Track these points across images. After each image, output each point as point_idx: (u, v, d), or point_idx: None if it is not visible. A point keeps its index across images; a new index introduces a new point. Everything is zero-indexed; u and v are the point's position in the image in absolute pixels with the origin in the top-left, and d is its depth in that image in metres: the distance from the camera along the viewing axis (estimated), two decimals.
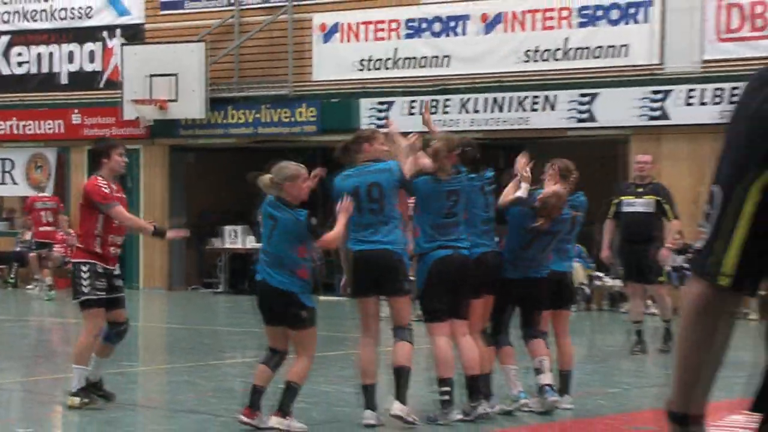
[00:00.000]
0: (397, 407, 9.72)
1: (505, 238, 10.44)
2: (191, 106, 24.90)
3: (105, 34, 26.82)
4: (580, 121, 22.22)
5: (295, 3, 24.94)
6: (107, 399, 10.67)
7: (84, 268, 10.48)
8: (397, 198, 9.92)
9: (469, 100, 23.26)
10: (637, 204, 14.84)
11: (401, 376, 9.76)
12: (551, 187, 10.46)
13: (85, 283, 10.45)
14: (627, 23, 21.89)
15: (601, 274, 21.35)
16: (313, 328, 9.44)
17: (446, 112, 23.43)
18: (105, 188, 10.56)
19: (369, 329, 9.89)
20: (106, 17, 26.88)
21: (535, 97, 22.64)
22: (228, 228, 25.13)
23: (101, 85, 26.80)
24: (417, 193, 10.00)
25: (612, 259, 15.36)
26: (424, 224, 9.96)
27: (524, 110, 22.77)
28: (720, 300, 2.51)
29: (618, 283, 19.99)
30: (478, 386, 9.98)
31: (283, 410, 9.40)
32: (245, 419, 9.48)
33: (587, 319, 20.04)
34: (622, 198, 15.05)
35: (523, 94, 22.73)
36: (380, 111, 24.00)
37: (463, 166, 10.18)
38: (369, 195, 9.84)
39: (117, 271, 10.77)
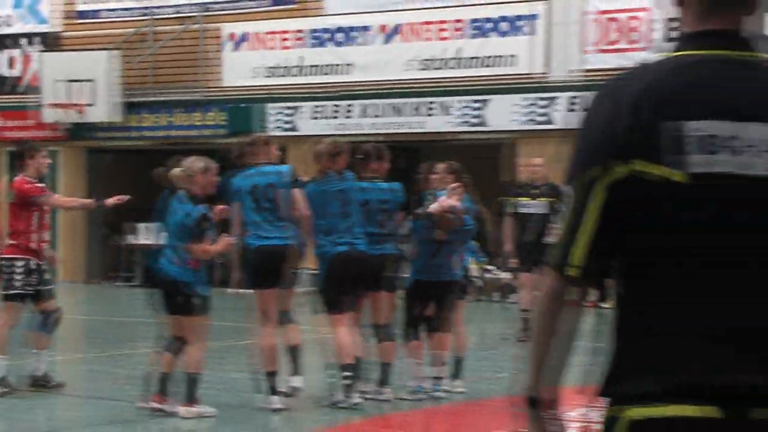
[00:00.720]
0: (296, 380, 10.02)
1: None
2: (107, 109, 24.87)
3: (24, 41, 26.58)
4: (472, 125, 22.47)
5: (206, 14, 24.97)
6: (56, 387, 10.73)
7: (18, 264, 10.46)
8: (290, 199, 10.01)
9: (370, 105, 23.41)
10: (532, 206, 15.05)
11: (295, 353, 10.15)
12: (448, 201, 10.60)
13: (18, 278, 10.43)
14: (515, 35, 22.19)
15: (491, 268, 21.60)
16: (201, 315, 9.48)
17: (348, 117, 23.59)
18: (36, 184, 10.60)
19: (268, 319, 10.01)
20: (25, 25, 26.64)
21: (431, 102, 22.85)
22: (142, 225, 25.03)
23: (21, 90, 26.55)
24: (308, 195, 10.13)
25: (512, 253, 15.55)
26: (320, 224, 10.09)
27: (421, 115, 22.97)
28: (568, 290, 2.57)
29: (508, 275, 20.25)
30: (355, 374, 10.10)
31: (189, 399, 9.48)
32: (156, 405, 9.55)
33: (479, 309, 20.27)
34: (518, 199, 15.25)
35: (419, 99, 22.94)
36: (287, 115, 24.12)
37: (352, 171, 10.35)
38: (265, 195, 9.95)
39: (45, 265, 10.80)
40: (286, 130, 24.07)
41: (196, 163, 9.59)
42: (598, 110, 2.54)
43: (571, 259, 2.53)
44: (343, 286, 9.99)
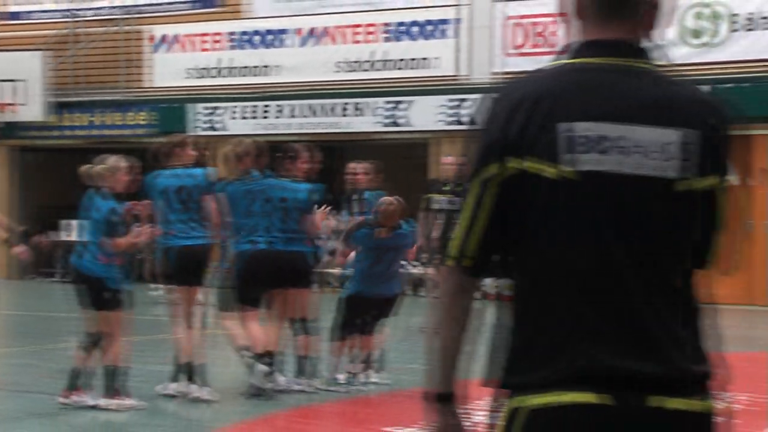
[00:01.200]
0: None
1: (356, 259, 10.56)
2: (34, 109, 24.61)
3: None
4: (388, 125, 22.49)
5: (134, 16, 24.80)
6: None
7: None
8: (203, 200, 9.93)
9: (289, 106, 23.33)
10: (441, 202, 15.11)
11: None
12: (387, 197, 10.66)
13: None
14: (432, 38, 22.25)
15: (404, 263, 21.60)
16: (116, 310, 9.36)
17: (266, 117, 23.50)
18: None
19: (187, 314, 9.94)
20: None
21: (347, 103, 22.84)
22: (65, 222, 24.75)
23: None
24: (231, 195, 10.09)
25: (424, 248, 15.59)
26: (242, 223, 10.04)
27: (338, 115, 22.94)
28: (464, 281, 2.62)
29: (420, 270, 20.29)
30: (269, 363, 10.07)
31: (109, 391, 9.38)
32: (77, 398, 9.44)
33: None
34: (432, 195, 15.32)
35: (337, 101, 22.91)
36: (210, 115, 24.00)
37: (259, 170, 10.33)
38: (178, 196, 9.87)
39: None
40: (212, 130, 23.94)
41: (116, 161, 9.53)
42: (495, 112, 2.62)
43: (467, 250, 2.59)
44: (258, 284, 9.94)
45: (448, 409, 2.64)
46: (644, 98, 2.58)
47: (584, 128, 2.54)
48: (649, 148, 2.55)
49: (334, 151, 24.68)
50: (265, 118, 23.55)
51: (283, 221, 10.19)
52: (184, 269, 9.84)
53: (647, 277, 2.56)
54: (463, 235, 2.61)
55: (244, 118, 23.71)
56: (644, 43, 2.63)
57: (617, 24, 2.61)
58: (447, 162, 15.56)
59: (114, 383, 9.37)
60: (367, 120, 22.61)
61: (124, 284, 9.41)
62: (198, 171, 10.11)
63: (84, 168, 9.66)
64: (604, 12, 2.61)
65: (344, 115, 22.87)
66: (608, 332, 2.53)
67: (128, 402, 9.43)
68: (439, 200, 15.07)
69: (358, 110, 22.76)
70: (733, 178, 2.66)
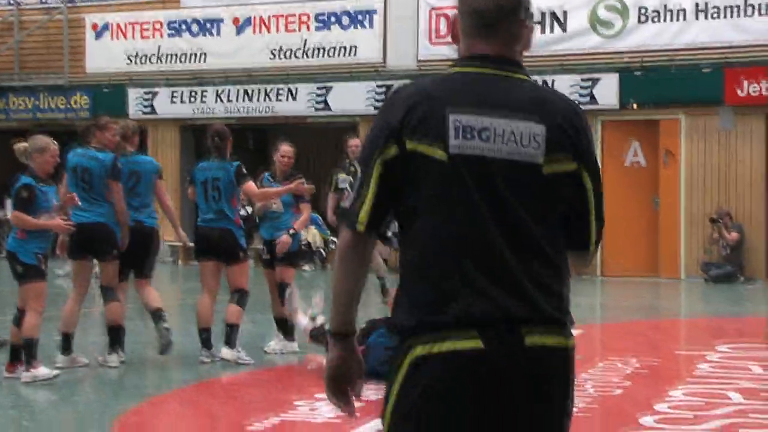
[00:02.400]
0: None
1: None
2: None
3: None
4: (318, 109, 22.48)
5: (70, 4, 24.55)
6: None
7: None
8: (106, 182, 9.87)
9: (223, 90, 23.23)
10: (347, 180, 15.16)
11: (113, 330, 10.06)
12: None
13: None
14: (356, 27, 22.27)
15: (335, 239, 21.66)
16: (30, 283, 9.15)
17: (204, 102, 23.39)
18: None
19: (81, 288, 10.07)
20: None
21: (280, 88, 22.79)
22: (8, 201, 24.44)
23: None
24: (122, 174, 10.08)
25: (334, 223, 15.67)
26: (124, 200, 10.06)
27: (271, 100, 22.88)
28: (357, 242, 2.98)
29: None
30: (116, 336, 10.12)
31: (28, 363, 9.21)
32: (7, 374, 9.37)
33: (323, 276, 20.33)
34: (339, 175, 15.47)
35: (269, 86, 22.85)
36: (146, 100, 23.84)
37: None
38: (82, 176, 9.92)
39: None
40: (146, 113, 23.76)
41: (35, 141, 9.36)
42: (395, 104, 3.01)
43: (360, 217, 2.96)
44: (126, 258, 9.99)
45: (347, 345, 3.02)
46: (516, 98, 3.02)
47: (468, 119, 2.96)
48: (520, 138, 2.98)
49: (266, 134, 24.64)
50: (203, 102, 23.43)
51: (205, 199, 10.37)
52: (78, 244, 9.82)
53: (519, 241, 2.95)
54: (357, 205, 2.97)
55: (182, 102, 23.58)
56: (516, 56, 3.10)
57: (493, 41, 3.06)
58: (353, 144, 15.58)
59: (31, 354, 9.17)
60: (298, 104, 22.57)
61: (30, 258, 9.15)
62: (104, 155, 9.90)
63: (16, 145, 9.54)
64: (482, 33, 3.06)
65: (277, 100, 22.81)
66: (486, 287, 2.92)
67: (43, 371, 9.20)
68: (344, 179, 15.18)
69: (291, 95, 22.70)
70: (593, 165, 3.11)
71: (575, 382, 3.15)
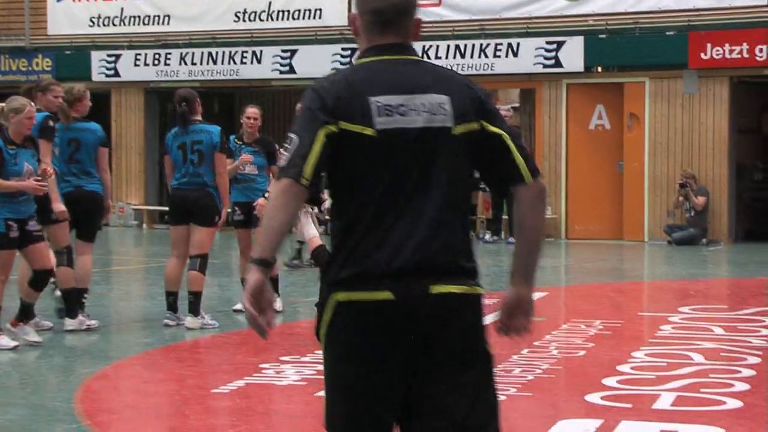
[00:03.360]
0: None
1: None
2: None
3: None
4: (282, 73, 22.37)
5: None
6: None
7: None
8: (43, 149, 9.61)
9: (187, 54, 23.06)
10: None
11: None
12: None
13: None
14: None
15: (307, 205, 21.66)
16: (4, 250, 9.02)
17: (168, 64, 23.21)
18: None
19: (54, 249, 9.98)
20: None
21: (244, 51, 22.65)
22: None
23: None
24: (60, 140, 9.95)
25: None
26: (61, 167, 9.93)
27: (235, 63, 22.75)
28: (297, 191, 3.44)
29: None
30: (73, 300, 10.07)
31: None
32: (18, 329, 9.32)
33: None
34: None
35: (234, 49, 22.71)
36: (109, 63, 23.65)
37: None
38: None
39: None
40: (109, 76, 23.58)
41: (11, 102, 9.18)
42: (321, 92, 3.55)
43: (305, 174, 3.44)
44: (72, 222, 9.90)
45: (267, 272, 3.45)
46: (421, 77, 3.60)
47: (386, 100, 3.52)
48: (419, 109, 3.53)
49: (232, 98, 24.53)
50: (167, 65, 23.25)
51: (182, 163, 10.26)
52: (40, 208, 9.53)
53: (434, 199, 3.48)
54: (300, 163, 3.46)
55: (146, 65, 23.40)
56: (410, 44, 3.64)
57: (391, 34, 3.61)
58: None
59: None
60: (263, 68, 22.45)
61: (10, 225, 9.01)
62: (40, 115, 9.67)
63: None
64: (381, 28, 3.61)
65: (242, 63, 22.68)
66: (403, 242, 3.43)
67: (5, 342, 9.14)
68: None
69: (255, 58, 22.58)
70: (496, 117, 3.62)
71: (486, 327, 3.63)
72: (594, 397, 7.20)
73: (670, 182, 19.96)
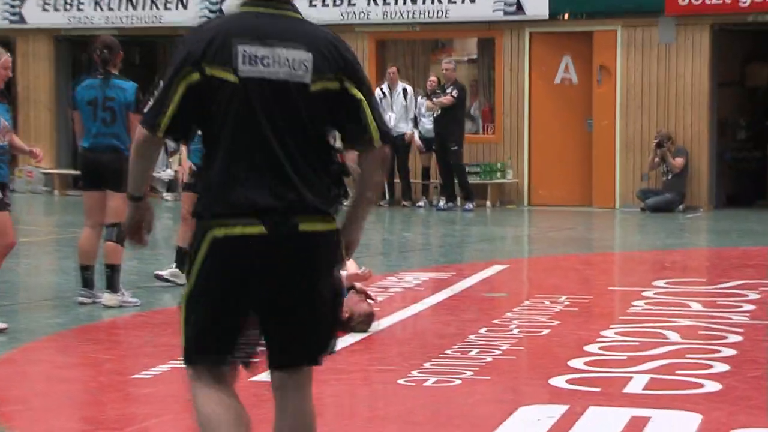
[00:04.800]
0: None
1: None
2: None
3: None
4: (210, 19, 22.19)
5: None
6: None
7: None
8: None
9: None
10: None
11: None
12: None
13: None
14: None
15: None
16: None
17: (81, 10, 22.96)
18: None
19: None
20: None
21: None
22: None
23: None
24: None
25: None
26: None
27: (158, 9, 22.57)
28: (155, 140, 4.32)
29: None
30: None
31: None
32: None
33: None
34: None
35: None
36: (13, 7, 23.38)
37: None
38: None
39: None
40: (13, 22, 23.30)
41: None
42: (195, 37, 4.27)
43: (160, 126, 4.27)
44: None
45: (140, 204, 4.45)
46: (288, 32, 4.28)
47: (252, 49, 4.21)
48: (281, 62, 4.23)
49: (154, 47, 24.32)
50: (80, 10, 23.00)
51: (93, 120, 10.16)
52: None
53: (293, 145, 4.23)
54: (158, 114, 4.25)
55: (55, 9, 23.12)
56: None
57: None
58: None
59: None
60: (189, 13, 22.27)
61: None
62: None
63: None
64: None
65: (165, 9, 22.50)
66: (268, 183, 4.20)
67: None
68: None
69: (180, 3, 22.40)
70: (359, 78, 4.30)
71: (338, 260, 4.41)
72: (559, 381, 7.25)
73: (645, 142, 20.09)
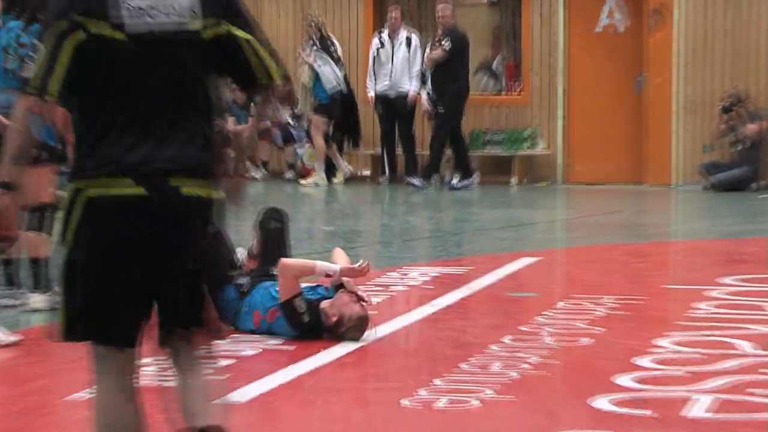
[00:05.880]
0: None
1: None
2: None
3: None
4: None
5: None
6: None
7: None
8: None
9: None
10: None
11: None
12: None
13: None
14: None
15: None
16: None
17: None
18: None
19: None
20: None
21: None
22: None
23: None
24: None
25: None
26: None
27: None
28: (44, 105, 4.69)
29: None
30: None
31: None
32: None
33: None
34: None
35: None
36: None
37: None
38: None
39: None
40: None
41: None
42: None
43: (50, 89, 4.65)
44: None
45: (17, 170, 4.83)
46: None
47: (137, 2, 4.65)
48: (169, 11, 4.69)
49: None
50: None
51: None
52: None
53: (177, 102, 4.69)
54: (45, 77, 4.64)
55: None
56: None
57: None
58: None
59: None
60: None
61: None
62: None
63: None
64: None
65: None
66: (151, 143, 4.65)
67: None
68: None
69: None
70: (245, 20, 4.84)
71: (220, 229, 4.88)
72: (602, 402, 7.24)
73: (709, 104, 20.07)
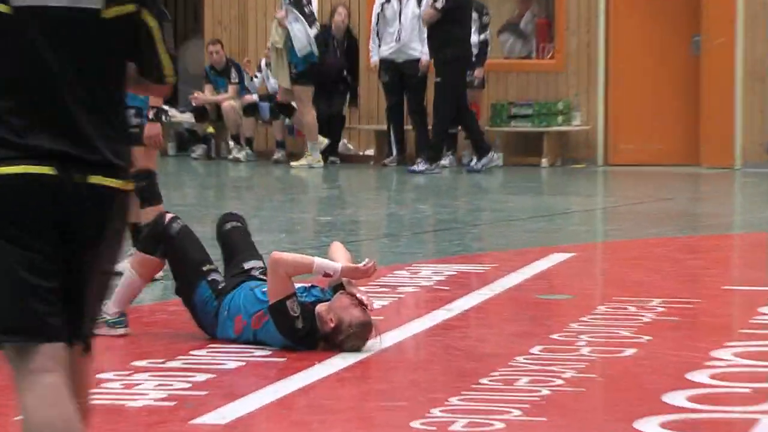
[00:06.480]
0: None
1: None
2: None
3: None
4: None
5: None
6: None
7: None
8: None
9: None
10: None
11: None
12: None
13: None
14: None
15: None
16: None
17: None
18: None
19: None
20: None
21: None
22: None
23: None
24: None
25: None
26: None
27: None
28: None
29: None
30: None
31: None
32: None
33: None
34: None
35: None
36: None
37: None
38: None
39: None
40: None
41: None
42: None
43: None
44: None
45: None
46: None
47: None
48: None
49: None
50: None
51: None
52: None
53: (80, 86, 4.82)
54: None
55: None
56: None
57: None
58: None
59: None
60: None
61: None
62: None
63: None
64: None
65: None
66: (50, 128, 4.81)
67: None
68: None
69: None
70: (152, 3, 4.95)
71: (127, 222, 5.17)
72: (650, 424, 7.27)
73: None
